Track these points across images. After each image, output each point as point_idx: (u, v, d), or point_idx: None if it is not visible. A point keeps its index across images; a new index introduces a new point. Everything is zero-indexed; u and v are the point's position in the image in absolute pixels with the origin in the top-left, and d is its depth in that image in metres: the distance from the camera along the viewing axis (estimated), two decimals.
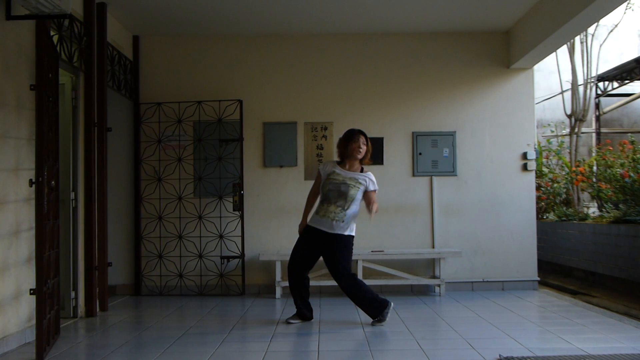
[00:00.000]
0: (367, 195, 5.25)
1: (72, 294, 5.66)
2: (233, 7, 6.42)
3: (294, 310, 5.45)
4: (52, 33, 5.01)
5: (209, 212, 7.14)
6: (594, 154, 11.14)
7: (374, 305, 5.21)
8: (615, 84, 12.97)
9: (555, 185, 10.74)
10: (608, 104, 13.45)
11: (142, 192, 7.15)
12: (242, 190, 6.97)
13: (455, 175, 7.27)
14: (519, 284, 7.16)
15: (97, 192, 5.94)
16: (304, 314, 5.37)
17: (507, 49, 7.33)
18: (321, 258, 5.34)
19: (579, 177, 9.85)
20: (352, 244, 5.27)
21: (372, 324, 5.19)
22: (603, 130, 13.56)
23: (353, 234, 5.26)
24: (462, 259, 7.10)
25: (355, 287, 5.23)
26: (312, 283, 6.71)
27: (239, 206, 6.95)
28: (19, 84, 4.60)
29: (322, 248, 5.25)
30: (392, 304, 5.25)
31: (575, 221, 9.25)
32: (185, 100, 7.15)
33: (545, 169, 11.25)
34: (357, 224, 5.39)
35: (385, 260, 6.90)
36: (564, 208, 10.05)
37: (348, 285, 5.22)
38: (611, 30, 10.87)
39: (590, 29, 10.03)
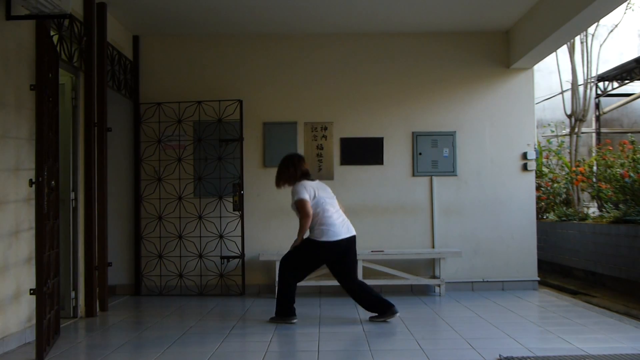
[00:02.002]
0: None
1: (72, 294, 5.67)
2: (233, 7, 6.42)
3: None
4: (52, 33, 5.01)
5: (209, 212, 7.14)
6: (594, 154, 11.14)
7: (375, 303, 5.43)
8: (615, 84, 12.96)
9: (555, 185, 10.74)
10: (608, 104, 13.45)
11: (142, 192, 7.15)
12: (242, 190, 6.97)
13: (455, 175, 7.26)
14: (519, 284, 7.16)
15: (97, 192, 5.94)
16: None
17: (507, 49, 7.33)
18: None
19: (579, 177, 9.85)
20: None
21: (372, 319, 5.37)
22: (603, 130, 13.56)
23: None
24: (462, 259, 7.10)
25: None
26: (312, 283, 6.77)
27: (239, 206, 6.95)
28: (19, 84, 4.60)
29: (343, 254, 5.32)
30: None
31: (575, 221, 9.25)
32: (185, 100, 7.15)
33: (545, 169, 11.25)
34: (355, 223, 5.50)
35: (385, 260, 6.90)
36: (564, 208, 10.05)
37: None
38: (611, 30, 10.86)
39: (590, 29, 10.03)
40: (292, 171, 5.43)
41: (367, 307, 5.42)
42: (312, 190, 5.30)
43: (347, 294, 5.50)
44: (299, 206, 5.24)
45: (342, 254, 5.31)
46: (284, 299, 5.36)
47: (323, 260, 5.37)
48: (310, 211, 5.22)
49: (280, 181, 5.54)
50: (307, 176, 5.44)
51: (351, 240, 5.33)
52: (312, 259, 5.35)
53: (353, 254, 5.40)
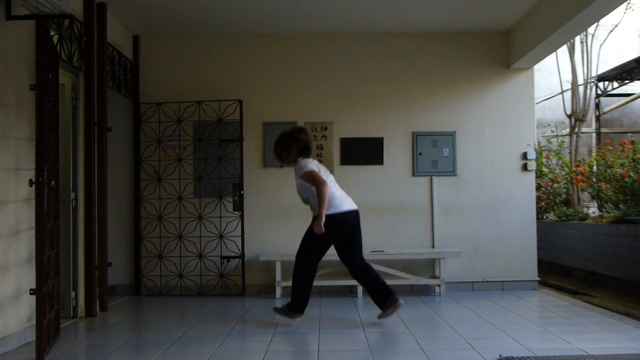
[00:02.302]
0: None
1: (72, 294, 5.67)
2: (233, 7, 6.42)
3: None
4: (52, 33, 5.01)
5: (209, 212, 7.14)
6: (594, 154, 11.14)
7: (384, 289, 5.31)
8: (615, 84, 12.96)
9: (555, 185, 10.74)
10: (608, 104, 13.45)
11: (142, 192, 7.15)
12: (242, 190, 6.97)
13: (455, 175, 7.27)
14: (519, 284, 7.16)
15: (97, 192, 5.94)
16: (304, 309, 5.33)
17: (507, 49, 7.33)
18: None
19: (579, 177, 9.85)
20: None
21: (379, 317, 5.28)
22: (603, 130, 13.56)
23: None
24: (462, 259, 7.10)
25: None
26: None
27: (239, 206, 6.95)
28: (19, 84, 4.60)
29: (351, 228, 5.23)
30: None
31: (575, 221, 9.25)
32: (185, 100, 7.15)
33: (545, 169, 11.25)
34: None
35: (385, 260, 6.90)
36: (564, 208, 10.05)
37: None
38: (611, 30, 10.86)
39: (590, 29, 10.03)
40: (293, 146, 5.24)
41: (372, 294, 5.29)
42: (316, 166, 5.20)
43: (353, 277, 5.40)
44: (311, 177, 5.04)
45: (349, 229, 5.20)
46: (298, 294, 5.22)
47: (332, 236, 5.17)
48: (324, 178, 5.07)
49: (282, 158, 5.33)
50: (306, 153, 5.29)
51: (356, 214, 5.25)
52: (322, 238, 5.13)
53: (359, 229, 5.30)
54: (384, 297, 5.23)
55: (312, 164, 5.19)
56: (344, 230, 5.20)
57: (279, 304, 6.31)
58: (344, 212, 5.15)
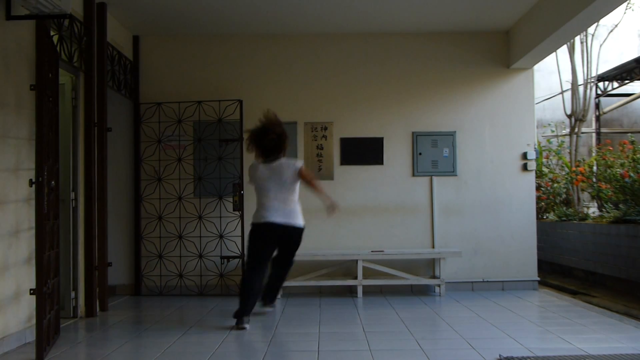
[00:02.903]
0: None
1: (72, 294, 5.67)
2: (233, 7, 6.42)
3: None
4: (52, 33, 5.01)
5: (209, 212, 7.14)
6: (594, 154, 11.14)
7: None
8: (615, 84, 12.96)
9: (555, 185, 10.74)
10: (608, 104, 13.45)
11: (142, 192, 7.15)
12: (242, 190, 6.97)
13: (455, 175, 7.26)
14: (519, 284, 7.16)
15: (97, 192, 5.94)
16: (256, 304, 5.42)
17: (507, 49, 7.33)
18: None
19: (579, 177, 9.85)
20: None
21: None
22: (603, 130, 13.56)
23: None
24: (462, 259, 7.10)
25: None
26: (312, 283, 6.77)
27: (239, 206, 6.95)
28: (19, 84, 4.60)
29: (275, 238, 5.39)
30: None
31: (575, 221, 9.25)
32: (185, 100, 7.15)
33: (545, 169, 11.25)
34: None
35: (385, 260, 6.90)
36: (564, 208, 10.05)
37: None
38: (611, 30, 10.86)
39: (590, 29, 10.03)
40: (252, 146, 5.50)
41: (265, 288, 5.59)
42: (254, 177, 5.42)
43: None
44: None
45: (271, 238, 5.30)
46: (239, 297, 5.28)
47: (255, 241, 5.31)
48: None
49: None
50: (267, 155, 5.41)
51: (276, 227, 5.25)
52: (251, 241, 5.35)
53: (289, 244, 5.41)
54: (268, 298, 5.68)
55: (250, 175, 5.50)
56: (264, 238, 5.30)
57: (278, 304, 6.31)
58: (260, 224, 5.30)
